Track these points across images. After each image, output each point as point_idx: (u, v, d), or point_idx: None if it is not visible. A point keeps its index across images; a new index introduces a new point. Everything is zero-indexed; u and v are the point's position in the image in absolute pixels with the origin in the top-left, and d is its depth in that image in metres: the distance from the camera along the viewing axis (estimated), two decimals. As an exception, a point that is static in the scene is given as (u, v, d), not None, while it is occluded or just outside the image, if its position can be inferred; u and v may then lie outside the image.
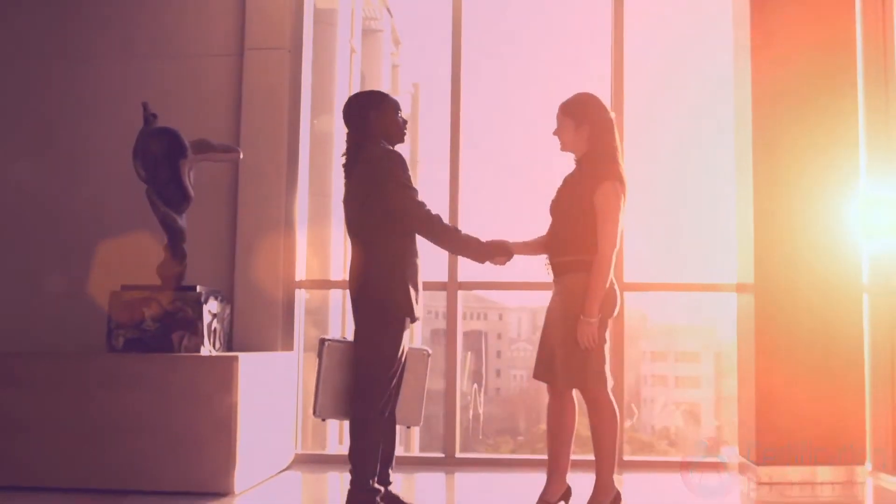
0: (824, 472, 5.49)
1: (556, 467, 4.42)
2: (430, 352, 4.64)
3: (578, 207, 4.33)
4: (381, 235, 4.21)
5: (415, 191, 4.22)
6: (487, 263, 4.46)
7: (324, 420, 4.69)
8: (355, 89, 21.07)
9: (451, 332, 6.22)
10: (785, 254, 5.63)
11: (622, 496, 4.39)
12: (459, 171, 6.24)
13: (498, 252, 4.39)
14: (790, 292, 5.61)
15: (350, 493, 4.21)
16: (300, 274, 6.17)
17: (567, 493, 4.43)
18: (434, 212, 4.25)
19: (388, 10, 25.72)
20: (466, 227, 5.43)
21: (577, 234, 4.31)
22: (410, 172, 4.25)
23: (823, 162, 5.66)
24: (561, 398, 4.42)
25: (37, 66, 6.28)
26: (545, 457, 4.49)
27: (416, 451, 8.46)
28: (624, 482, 5.48)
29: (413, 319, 4.32)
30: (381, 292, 4.19)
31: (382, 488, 4.29)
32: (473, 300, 46.51)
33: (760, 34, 5.76)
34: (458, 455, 6.09)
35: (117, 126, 5.83)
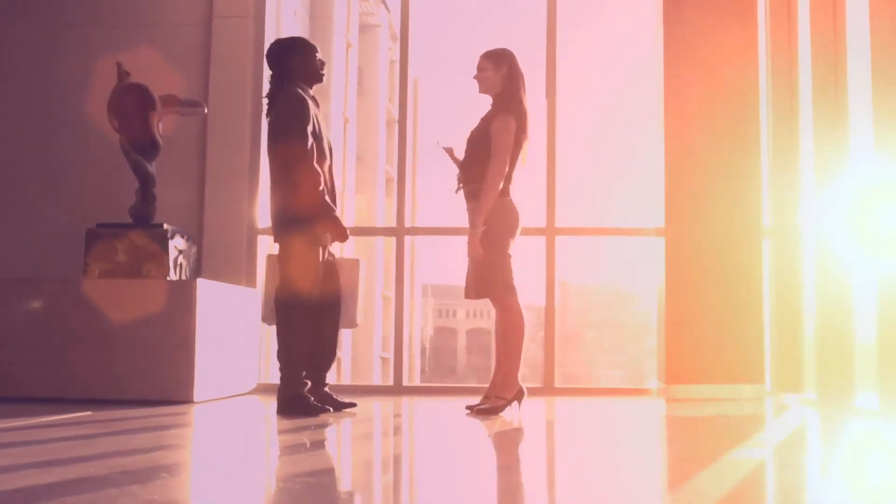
0: (726, 390, 6.09)
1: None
2: (361, 260, 5.29)
3: (479, 141, 4.96)
4: (284, 164, 4.79)
5: (304, 134, 4.74)
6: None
7: (270, 325, 5.27)
8: (352, 83, 21.73)
9: (399, 275, 6.85)
10: (692, 200, 6.23)
11: (524, 392, 4.99)
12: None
13: (330, 225, 4.83)
14: (697, 235, 6.21)
15: (280, 388, 4.83)
16: (262, 222, 6.80)
17: (519, 394, 4.95)
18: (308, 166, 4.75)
19: (386, 6, 26.43)
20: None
21: (481, 163, 4.92)
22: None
23: (728, 115, 6.27)
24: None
25: (22, 34, 6.98)
26: (487, 385, 5.09)
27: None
28: (555, 405, 6.07)
29: (329, 239, 4.94)
30: (285, 208, 4.81)
31: (309, 382, 4.88)
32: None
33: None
34: (406, 384, 6.72)
35: (94, 85, 6.47)
